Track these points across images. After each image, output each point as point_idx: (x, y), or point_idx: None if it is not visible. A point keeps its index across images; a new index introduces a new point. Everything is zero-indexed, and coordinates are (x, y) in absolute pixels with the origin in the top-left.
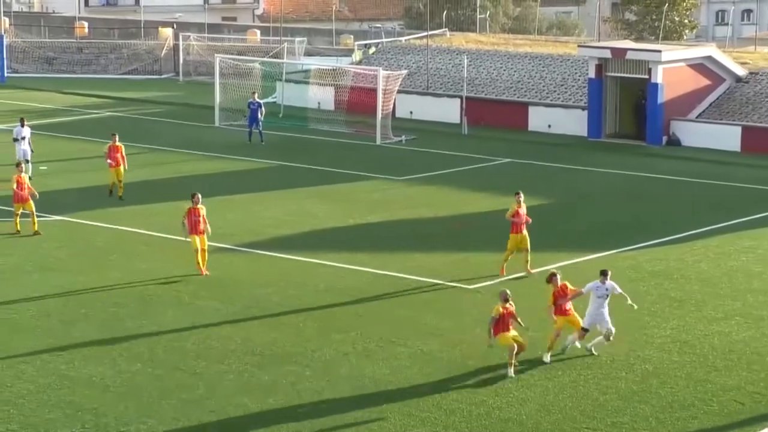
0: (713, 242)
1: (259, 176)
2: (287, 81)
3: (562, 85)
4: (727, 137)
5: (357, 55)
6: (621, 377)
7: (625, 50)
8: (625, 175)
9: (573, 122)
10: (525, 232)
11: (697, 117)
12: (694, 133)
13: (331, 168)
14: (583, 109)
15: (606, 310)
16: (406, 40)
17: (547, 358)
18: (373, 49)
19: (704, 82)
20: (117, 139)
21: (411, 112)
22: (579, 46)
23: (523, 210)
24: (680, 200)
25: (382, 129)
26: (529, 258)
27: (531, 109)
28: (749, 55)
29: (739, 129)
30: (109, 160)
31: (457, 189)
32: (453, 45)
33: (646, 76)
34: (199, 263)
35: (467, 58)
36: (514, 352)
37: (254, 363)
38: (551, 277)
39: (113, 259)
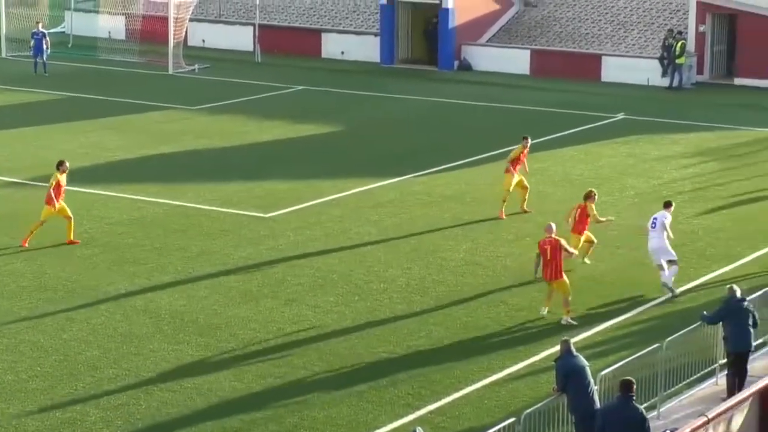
0: (504, 164)
1: (49, 108)
2: (76, 10)
3: (354, 12)
4: (516, 61)
5: None
6: (416, 301)
7: None
8: (418, 100)
9: (366, 49)
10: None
11: (487, 41)
12: (485, 58)
13: (122, 99)
14: (375, 35)
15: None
16: None
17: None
18: None
19: (494, 6)
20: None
21: (203, 41)
22: None
23: (525, 155)
24: (472, 124)
25: (174, 58)
26: (526, 197)
27: (324, 36)
28: None
29: (528, 53)
30: None
31: (251, 118)
32: None
33: (438, 2)
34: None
35: None
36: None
37: (47, 299)
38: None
39: None
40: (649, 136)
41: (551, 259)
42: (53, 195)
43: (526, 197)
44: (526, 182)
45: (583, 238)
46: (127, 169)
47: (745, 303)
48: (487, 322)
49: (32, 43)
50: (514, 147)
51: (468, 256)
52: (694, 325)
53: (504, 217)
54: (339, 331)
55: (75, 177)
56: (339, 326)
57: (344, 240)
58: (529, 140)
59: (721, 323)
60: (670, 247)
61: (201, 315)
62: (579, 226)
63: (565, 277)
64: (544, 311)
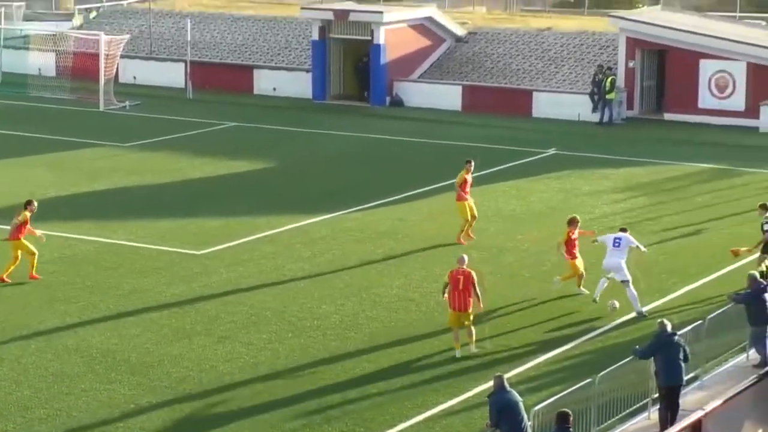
0: (436, 201)
1: None
2: (5, 47)
3: (286, 48)
4: (448, 97)
5: (78, 20)
6: (350, 337)
7: (347, 12)
8: (350, 136)
9: (298, 85)
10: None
11: (419, 77)
12: (417, 93)
13: (53, 136)
14: (307, 71)
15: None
16: (127, 3)
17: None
18: (94, 14)
19: (425, 42)
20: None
21: (135, 77)
22: (302, 8)
23: (470, 178)
24: (404, 160)
25: (105, 95)
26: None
27: (256, 72)
28: (468, 15)
29: (459, 88)
30: None
31: (183, 154)
32: (176, 8)
33: (369, 38)
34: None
35: (191, 22)
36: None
37: None
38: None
39: None
40: (580, 171)
41: (463, 289)
42: (17, 231)
43: (467, 229)
44: (475, 211)
45: (578, 262)
46: (59, 206)
47: (676, 337)
48: (421, 359)
49: None
50: (448, 181)
51: (401, 292)
52: (627, 360)
53: (464, 242)
54: (272, 368)
55: (5, 214)
56: (272, 363)
57: (277, 277)
58: (473, 163)
59: (652, 357)
60: (626, 269)
61: (133, 353)
62: (571, 252)
63: (471, 309)
64: (458, 354)
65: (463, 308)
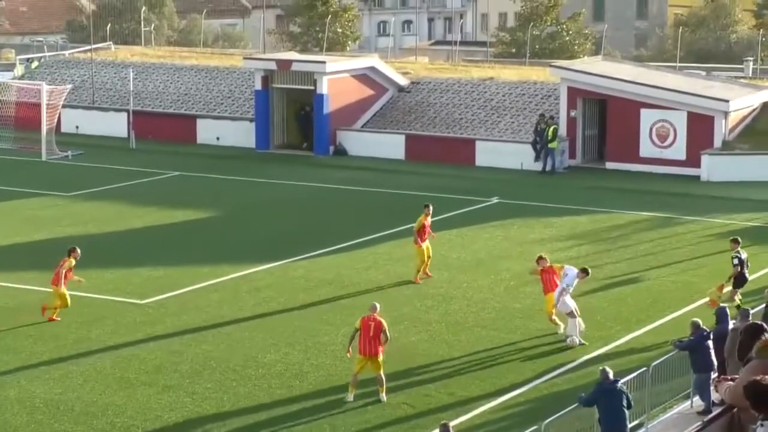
0: (381, 249)
1: None
2: None
3: (229, 97)
4: (391, 146)
5: (19, 70)
6: (295, 386)
7: (290, 62)
8: (294, 185)
9: (241, 134)
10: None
11: (362, 126)
12: (360, 143)
13: None
14: (250, 120)
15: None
16: (69, 53)
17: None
18: (36, 63)
19: (368, 92)
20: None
21: (77, 127)
22: (245, 58)
23: (428, 222)
24: (349, 209)
25: (47, 144)
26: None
27: (199, 122)
28: (411, 65)
29: (403, 137)
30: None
31: (125, 204)
32: (118, 58)
33: (312, 87)
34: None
35: (133, 72)
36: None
37: None
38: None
39: None
40: (523, 220)
41: (373, 336)
42: (62, 277)
43: (423, 268)
44: (430, 251)
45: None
46: (2, 256)
47: (618, 384)
48: (365, 406)
49: None
50: (393, 229)
51: (346, 340)
52: (571, 407)
53: (419, 281)
54: (217, 417)
55: None
56: (217, 412)
57: (222, 325)
58: (431, 207)
59: (596, 405)
60: (568, 301)
61: (77, 403)
62: (549, 286)
63: (381, 356)
64: (350, 397)
65: (372, 353)
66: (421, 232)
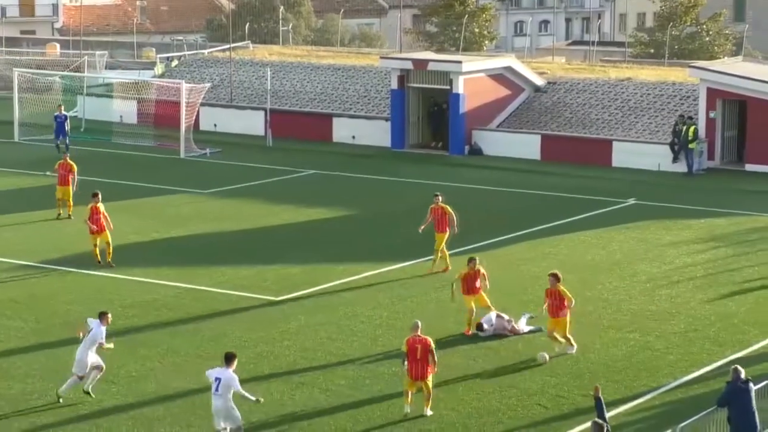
0: (515, 249)
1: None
2: (89, 95)
3: (365, 97)
4: (527, 146)
5: (159, 68)
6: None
7: (426, 61)
8: (430, 184)
9: (377, 133)
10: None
11: (498, 126)
12: (496, 142)
13: (134, 182)
14: (386, 119)
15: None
16: (208, 52)
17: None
18: (175, 62)
19: (504, 92)
20: (99, 199)
21: (215, 125)
22: (381, 57)
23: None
24: (483, 209)
25: (185, 142)
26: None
27: (335, 121)
28: (547, 65)
29: (538, 138)
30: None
31: (262, 201)
32: (256, 57)
33: (448, 87)
34: (97, 254)
35: (271, 71)
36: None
37: (58, 381)
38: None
39: None
40: (660, 222)
41: (421, 358)
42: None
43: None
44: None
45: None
46: (140, 252)
47: (750, 384)
48: (498, 407)
49: (54, 126)
50: (527, 230)
51: (479, 340)
52: (706, 411)
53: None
54: (351, 415)
55: (86, 260)
56: (351, 410)
57: (355, 324)
58: (477, 260)
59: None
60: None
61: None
62: (557, 311)
63: (430, 377)
64: (408, 409)
65: (421, 377)
66: (469, 282)
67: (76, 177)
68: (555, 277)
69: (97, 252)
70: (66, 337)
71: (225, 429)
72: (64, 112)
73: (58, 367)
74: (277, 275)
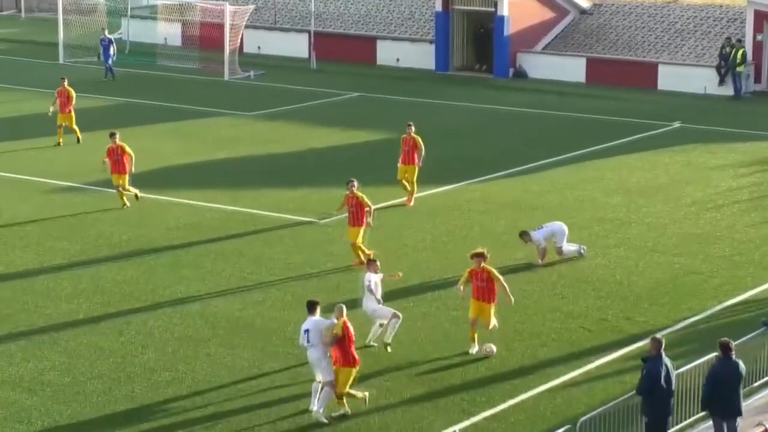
0: (559, 173)
1: (106, 114)
2: (132, 17)
3: (409, 19)
4: (572, 69)
5: None
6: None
7: None
8: (473, 107)
9: (421, 56)
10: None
11: (542, 49)
12: (540, 65)
13: (178, 104)
14: (430, 42)
15: None
16: None
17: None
18: None
19: (549, 14)
20: (118, 138)
21: (259, 47)
22: None
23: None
24: (527, 132)
25: (230, 65)
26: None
27: (379, 43)
28: None
29: (583, 60)
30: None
31: (306, 124)
32: None
33: (493, 9)
34: (123, 196)
35: None
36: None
37: (104, 302)
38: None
39: None
40: (705, 145)
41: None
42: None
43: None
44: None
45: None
46: (184, 174)
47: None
48: (542, 330)
49: (100, 49)
50: (572, 153)
51: (524, 265)
52: (753, 333)
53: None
54: (396, 339)
55: (132, 182)
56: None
57: (398, 246)
58: (485, 256)
59: None
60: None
61: (257, 319)
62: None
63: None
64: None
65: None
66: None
67: (73, 109)
68: (481, 257)
69: (123, 197)
70: (108, 255)
71: (319, 383)
72: (108, 35)
73: (104, 288)
74: (321, 197)
